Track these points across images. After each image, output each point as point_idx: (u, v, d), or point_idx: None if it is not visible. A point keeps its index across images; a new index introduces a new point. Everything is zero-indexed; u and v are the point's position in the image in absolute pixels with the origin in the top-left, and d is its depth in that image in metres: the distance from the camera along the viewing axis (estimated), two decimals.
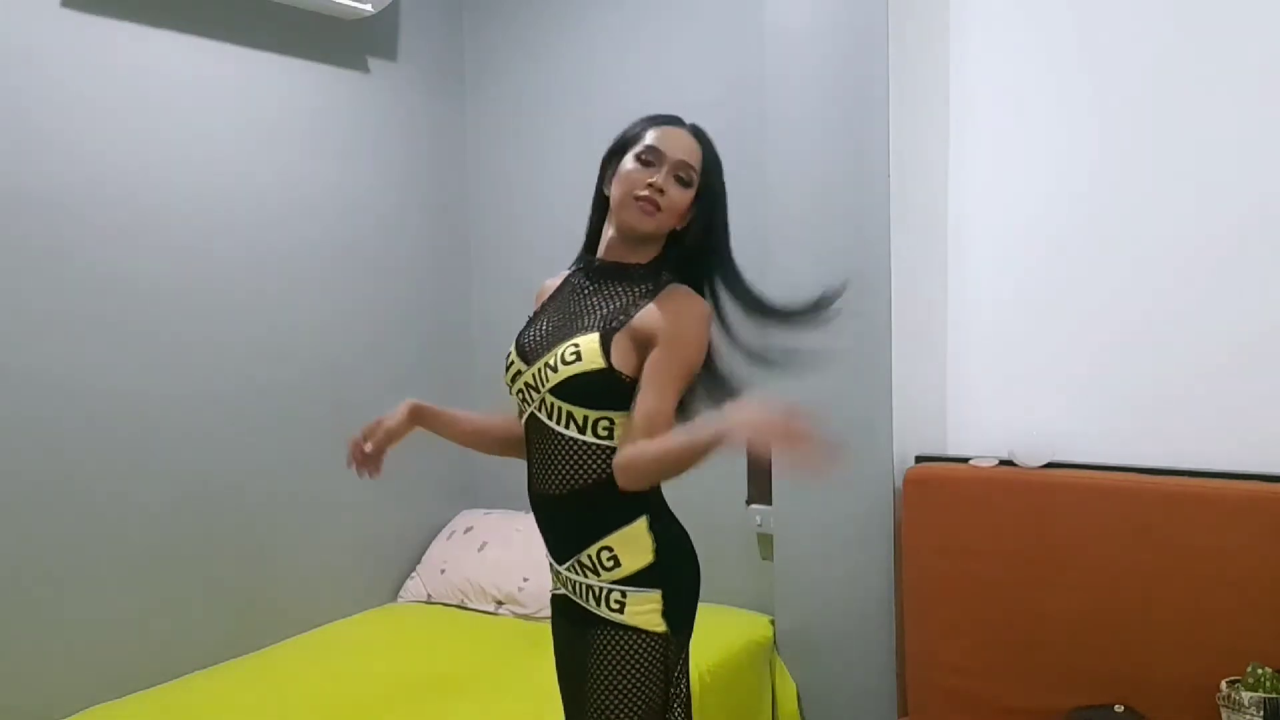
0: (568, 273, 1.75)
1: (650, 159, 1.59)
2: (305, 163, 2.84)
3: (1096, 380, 2.40)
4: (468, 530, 3.16)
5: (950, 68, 2.56)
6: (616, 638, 1.54)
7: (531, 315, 1.73)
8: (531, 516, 1.68)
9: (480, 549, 3.05)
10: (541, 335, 1.64)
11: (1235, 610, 2.05)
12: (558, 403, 1.56)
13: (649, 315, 1.56)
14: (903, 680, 2.44)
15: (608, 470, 1.55)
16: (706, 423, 1.46)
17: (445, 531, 3.21)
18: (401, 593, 3.11)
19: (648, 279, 1.61)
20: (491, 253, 3.36)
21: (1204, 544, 2.08)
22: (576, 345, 1.55)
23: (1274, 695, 1.88)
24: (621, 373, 1.54)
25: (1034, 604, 2.24)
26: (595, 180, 1.69)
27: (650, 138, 1.60)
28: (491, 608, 2.94)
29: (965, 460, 2.43)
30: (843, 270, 2.45)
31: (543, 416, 1.59)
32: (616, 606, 1.54)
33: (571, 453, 1.57)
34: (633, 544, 1.56)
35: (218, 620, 2.61)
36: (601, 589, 1.56)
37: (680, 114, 1.68)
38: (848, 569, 2.51)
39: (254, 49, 2.69)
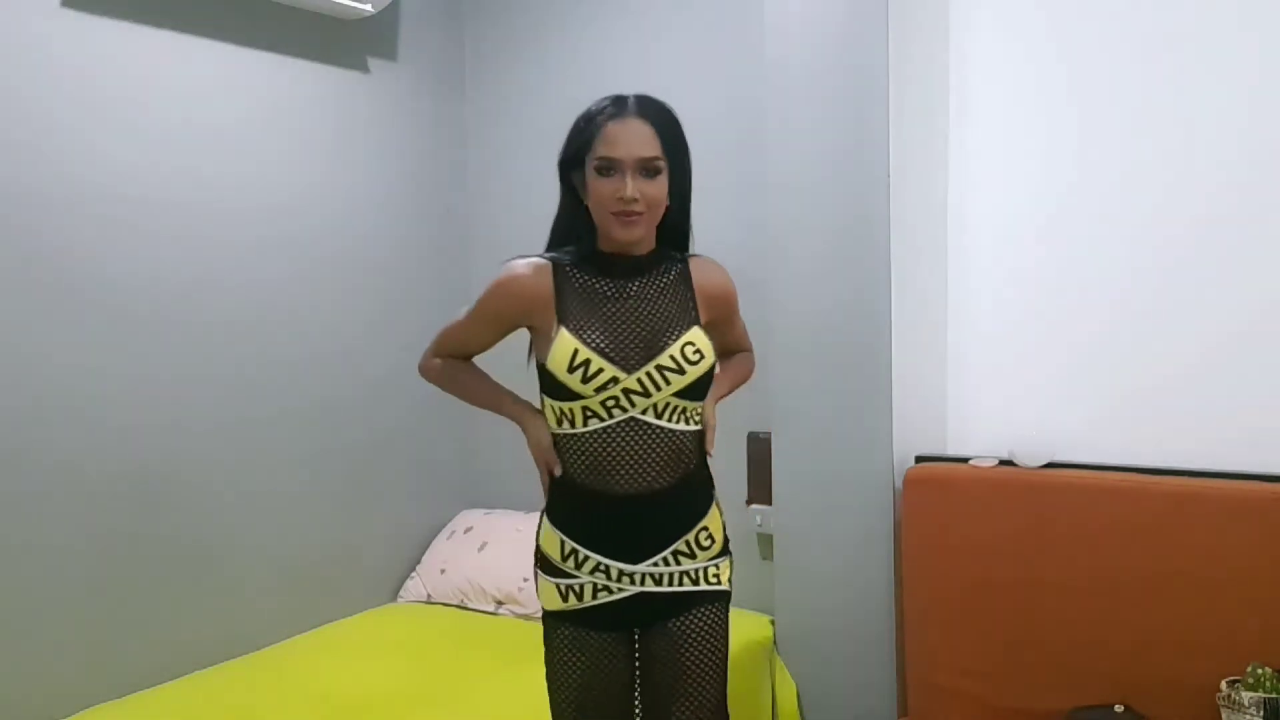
0: (552, 270, 1.71)
1: (609, 168, 1.56)
2: (305, 163, 2.84)
3: (1097, 380, 2.40)
4: (468, 530, 3.16)
5: (950, 65, 2.56)
6: (719, 606, 1.69)
7: (574, 320, 1.62)
8: (531, 516, 1.70)
9: (480, 549, 3.05)
10: (634, 340, 1.59)
11: (1235, 610, 2.04)
12: (679, 402, 1.60)
13: (712, 298, 1.70)
14: (903, 680, 2.44)
15: (700, 455, 1.68)
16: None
17: (445, 531, 3.21)
18: (401, 593, 3.11)
19: (665, 260, 1.68)
20: (491, 253, 3.34)
21: (1204, 544, 2.07)
22: (694, 344, 1.60)
23: (1274, 695, 1.88)
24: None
25: (1034, 604, 2.24)
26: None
27: (602, 146, 1.56)
28: (491, 608, 2.94)
29: (965, 460, 2.43)
30: (843, 269, 2.46)
31: (648, 418, 1.59)
32: (714, 580, 1.67)
33: (678, 446, 1.62)
34: (716, 520, 1.70)
35: (217, 620, 2.61)
36: (699, 569, 1.65)
37: (680, 114, 1.67)
38: (848, 569, 2.51)
39: (254, 49, 2.69)
